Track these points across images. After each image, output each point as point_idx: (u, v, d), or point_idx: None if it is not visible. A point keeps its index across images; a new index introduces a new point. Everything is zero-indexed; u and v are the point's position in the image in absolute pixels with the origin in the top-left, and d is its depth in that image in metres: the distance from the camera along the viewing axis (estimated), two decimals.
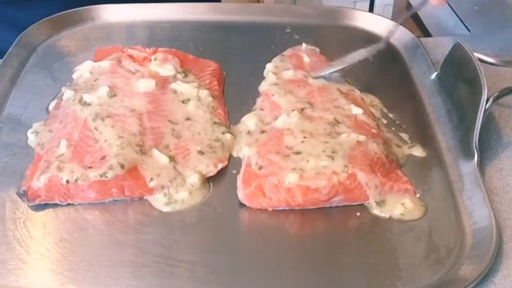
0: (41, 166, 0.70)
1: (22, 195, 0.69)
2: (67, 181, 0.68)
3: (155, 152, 0.72)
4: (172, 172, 0.71)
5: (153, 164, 0.71)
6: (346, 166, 0.68)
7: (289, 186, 0.67)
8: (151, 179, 0.70)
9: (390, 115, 0.82)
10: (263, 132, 0.74)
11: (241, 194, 0.70)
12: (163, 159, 0.71)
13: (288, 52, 0.91)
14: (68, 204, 0.69)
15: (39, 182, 0.68)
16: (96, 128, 0.73)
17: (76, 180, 0.68)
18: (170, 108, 0.79)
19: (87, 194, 0.69)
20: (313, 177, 0.67)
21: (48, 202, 0.69)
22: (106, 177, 0.68)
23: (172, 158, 0.72)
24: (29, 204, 0.69)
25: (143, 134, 0.74)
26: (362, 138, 0.72)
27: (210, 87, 0.84)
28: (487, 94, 0.73)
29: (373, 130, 0.75)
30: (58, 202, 0.69)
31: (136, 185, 0.69)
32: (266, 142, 0.73)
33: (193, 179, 0.70)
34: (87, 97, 0.77)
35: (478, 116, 0.73)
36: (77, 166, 0.69)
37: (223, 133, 0.76)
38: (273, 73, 0.85)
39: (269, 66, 0.87)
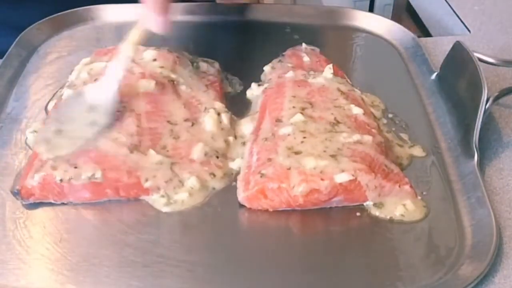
0: (35, 165, 0.69)
1: (16, 193, 0.68)
2: (61, 180, 0.67)
3: (151, 152, 0.71)
4: (168, 173, 0.70)
5: (149, 164, 0.71)
6: (346, 166, 0.68)
7: (294, 192, 0.67)
8: (147, 180, 0.69)
9: (390, 115, 0.82)
10: (264, 138, 0.74)
11: (241, 197, 0.69)
12: (159, 159, 0.71)
13: (288, 52, 0.91)
14: (68, 204, 0.69)
15: (33, 181, 0.68)
16: None
17: (69, 180, 0.67)
18: (170, 108, 0.78)
19: (81, 194, 0.68)
20: (314, 177, 0.67)
21: (42, 200, 0.69)
22: (96, 178, 0.68)
23: (169, 159, 0.71)
24: (23, 202, 0.69)
25: (140, 135, 0.73)
26: (362, 138, 0.72)
27: (211, 87, 0.84)
28: (487, 94, 0.73)
29: (373, 130, 0.75)
30: (52, 201, 0.69)
31: (130, 185, 0.69)
32: (266, 142, 0.73)
33: (192, 181, 0.70)
34: None
35: (478, 116, 0.73)
36: (70, 166, 0.68)
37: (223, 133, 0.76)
38: (272, 74, 0.85)
39: (267, 69, 0.87)
